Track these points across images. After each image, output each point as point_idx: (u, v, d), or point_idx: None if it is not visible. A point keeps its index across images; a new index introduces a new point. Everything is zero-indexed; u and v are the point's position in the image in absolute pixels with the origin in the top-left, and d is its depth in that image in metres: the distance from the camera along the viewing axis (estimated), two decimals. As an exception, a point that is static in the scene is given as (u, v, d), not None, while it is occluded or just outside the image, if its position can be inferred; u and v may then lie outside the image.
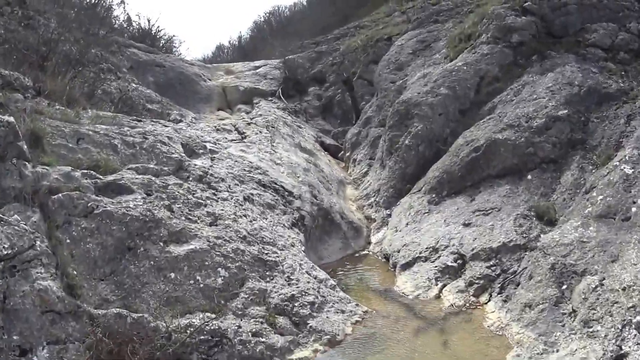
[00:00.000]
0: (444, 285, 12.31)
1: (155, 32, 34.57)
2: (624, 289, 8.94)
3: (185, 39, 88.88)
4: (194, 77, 25.85)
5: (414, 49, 23.25)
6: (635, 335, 8.33)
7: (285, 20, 57.23)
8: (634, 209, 10.31)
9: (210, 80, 26.72)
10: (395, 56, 23.57)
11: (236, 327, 9.38)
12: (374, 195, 18.03)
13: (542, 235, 11.61)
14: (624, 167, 11.21)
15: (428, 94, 17.81)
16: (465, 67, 17.87)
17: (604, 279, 9.43)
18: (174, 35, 54.78)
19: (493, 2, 19.89)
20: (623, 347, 8.29)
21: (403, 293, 12.54)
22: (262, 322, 9.85)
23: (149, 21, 42.14)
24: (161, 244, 9.98)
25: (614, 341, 8.43)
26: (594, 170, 12.43)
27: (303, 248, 13.18)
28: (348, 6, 43.25)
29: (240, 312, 9.84)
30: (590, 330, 8.92)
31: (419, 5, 28.52)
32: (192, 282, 9.82)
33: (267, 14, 60.66)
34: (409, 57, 22.90)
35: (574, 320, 9.35)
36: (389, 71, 22.98)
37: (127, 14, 39.92)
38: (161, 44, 34.14)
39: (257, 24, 60.57)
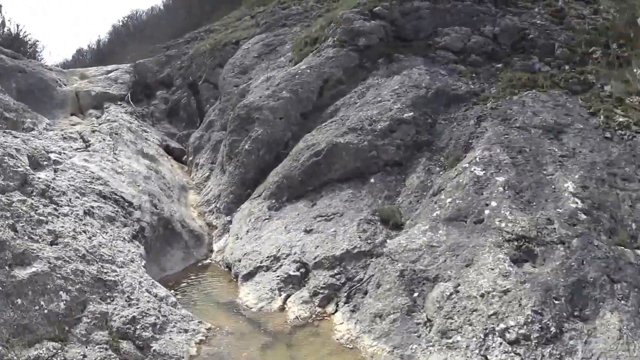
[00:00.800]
0: (288, 296, 11.47)
1: (22, 37, 33.40)
2: (482, 296, 8.79)
3: (49, 43, 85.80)
4: (51, 83, 24.56)
5: (260, 52, 22.62)
6: (501, 343, 8.17)
7: (143, 24, 55.96)
8: (486, 212, 10.28)
9: (65, 85, 25.54)
10: (241, 60, 22.86)
11: (81, 357, 8.49)
12: (214, 201, 17.00)
13: (388, 241, 11.17)
14: (475, 169, 11.17)
15: (270, 98, 17.02)
16: (308, 71, 17.30)
17: (458, 285, 9.22)
18: (37, 40, 52.61)
19: (343, 7, 19.59)
20: (489, 357, 8.07)
21: (246, 306, 11.61)
22: (106, 349, 8.89)
23: (17, 26, 40.06)
24: (7, 267, 8.84)
25: (477, 352, 8.23)
26: (441, 173, 12.27)
27: (143, 263, 12.11)
28: (202, 10, 42.44)
29: (84, 339, 8.83)
30: (450, 341, 8.61)
31: (270, 9, 28.20)
32: (37, 308, 8.72)
33: (126, 18, 59.06)
34: (254, 60, 22.23)
35: (430, 330, 8.99)
36: (233, 75, 22.16)
37: (3, 17, 37.53)
38: (27, 49, 32.44)
39: (115, 28, 58.85)
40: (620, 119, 12.85)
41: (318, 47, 18.35)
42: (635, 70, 14.35)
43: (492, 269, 9.06)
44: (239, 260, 13.09)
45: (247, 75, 21.36)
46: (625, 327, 8.31)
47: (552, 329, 8.21)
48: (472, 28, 16.82)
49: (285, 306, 11.23)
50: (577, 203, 10.36)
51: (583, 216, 10.11)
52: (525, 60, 15.64)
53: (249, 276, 12.43)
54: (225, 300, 12.08)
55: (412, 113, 13.73)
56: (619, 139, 12.33)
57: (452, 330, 8.62)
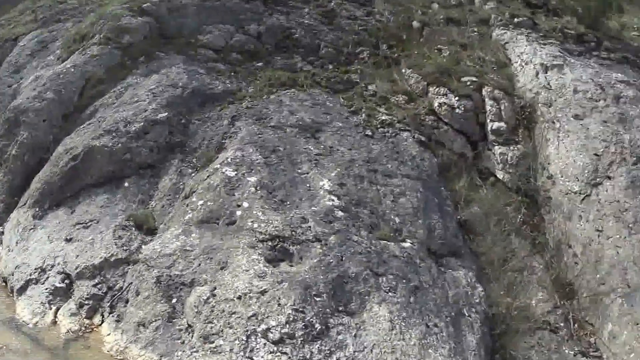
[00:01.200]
0: (58, 309, 10.99)
1: None
2: (239, 298, 8.74)
3: None
4: None
5: (33, 50, 21.30)
6: (265, 344, 8.17)
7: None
8: (238, 212, 10.24)
9: None
10: (16, 58, 21.40)
11: None
12: (-13, 212, 15.88)
13: (143, 247, 10.88)
14: (226, 170, 11.08)
15: (35, 99, 16.01)
16: (73, 69, 16.47)
17: (215, 288, 9.10)
18: None
19: (115, 3, 18.86)
20: (255, 359, 8.07)
21: (24, 321, 11.02)
22: None
23: None
24: None
25: (242, 354, 8.13)
26: (193, 174, 12.12)
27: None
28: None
29: None
30: (213, 345, 8.45)
31: (48, 3, 26.55)
32: None
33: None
34: (27, 58, 20.93)
35: (192, 336, 8.80)
36: (8, 74, 20.70)
37: None
38: None
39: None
40: (384, 117, 13.26)
41: (84, 44, 17.60)
42: (404, 70, 14.89)
43: (247, 271, 9.05)
44: (12, 274, 12.42)
45: (20, 74, 20.21)
46: (396, 318, 8.62)
47: (317, 326, 8.31)
48: (237, 26, 16.79)
49: (57, 320, 10.82)
50: (333, 200, 10.56)
51: (340, 213, 10.32)
52: (287, 59, 15.80)
53: (22, 290, 11.85)
54: (5, 317, 11.48)
55: (166, 113, 13.49)
56: (380, 137, 12.70)
57: (213, 334, 8.51)
